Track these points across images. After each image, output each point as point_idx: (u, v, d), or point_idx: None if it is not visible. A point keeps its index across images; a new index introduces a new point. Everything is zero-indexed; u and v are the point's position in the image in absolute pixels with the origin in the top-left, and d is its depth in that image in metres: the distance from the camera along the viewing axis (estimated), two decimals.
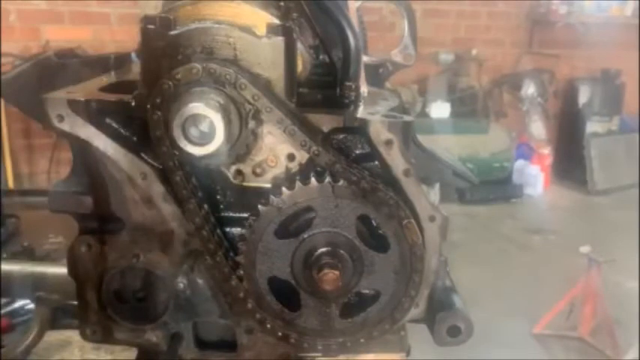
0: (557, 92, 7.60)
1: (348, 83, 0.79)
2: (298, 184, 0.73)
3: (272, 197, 0.74)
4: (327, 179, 0.72)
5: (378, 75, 1.11)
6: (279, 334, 0.79)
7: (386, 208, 0.72)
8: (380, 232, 0.75)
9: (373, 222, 0.75)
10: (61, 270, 0.95)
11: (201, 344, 0.84)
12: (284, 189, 0.74)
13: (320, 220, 0.73)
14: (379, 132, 0.74)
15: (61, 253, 0.82)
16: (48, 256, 1.46)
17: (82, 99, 0.77)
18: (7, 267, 1.04)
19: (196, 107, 0.65)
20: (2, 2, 5.12)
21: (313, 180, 0.73)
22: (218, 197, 0.78)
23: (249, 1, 0.81)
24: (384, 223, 0.74)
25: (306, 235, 0.74)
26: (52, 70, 0.88)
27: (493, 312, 4.13)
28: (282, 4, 0.91)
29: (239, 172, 0.75)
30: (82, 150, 0.74)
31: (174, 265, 0.76)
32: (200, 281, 0.78)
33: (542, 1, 7.43)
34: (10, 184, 5.08)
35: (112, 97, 0.76)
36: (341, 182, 0.73)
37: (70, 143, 0.75)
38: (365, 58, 1.07)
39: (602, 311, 4.04)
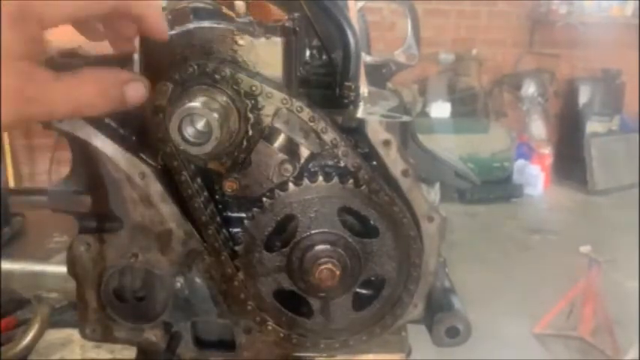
0: (557, 92, 7.61)
1: (347, 83, 0.79)
2: (306, 181, 0.73)
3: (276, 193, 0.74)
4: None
5: (381, 75, 1.11)
6: (281, 334, 0.79)
7: (363, 194, 0.73)
8: (364, 218, 0.75)
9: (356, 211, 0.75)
10: (61, 269, 0.95)
11: (200, 343, 0.84)
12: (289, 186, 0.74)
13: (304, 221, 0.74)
14: (377, 132, 0.74)
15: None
16: (51, 255, 1.47)
17: None
18: (8, 266, 1.04)
19: (192, 107, 0.65)
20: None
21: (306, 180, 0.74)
22: (217, 197, 0.78)
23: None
24: (365, 208, 0.74)
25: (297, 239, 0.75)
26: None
27: (493, 312, 4.14)
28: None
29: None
30: (82, 150, 0.74)
31: (172, 265, 0.76)
32: (198, 281, 0.78)
33: (542, 1, 7.44)
34: (11, 183, 5.08)
35: None
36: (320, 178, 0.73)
37: (69, 143, 0.76)
38: (368, 59, 1.07)
39: (602, 311, 4.05)
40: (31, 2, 0.53)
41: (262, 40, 0.71)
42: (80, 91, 0.60)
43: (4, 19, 0.52)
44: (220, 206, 0.78)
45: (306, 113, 0.72)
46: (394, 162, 0.74)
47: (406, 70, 1.14)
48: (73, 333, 1.28)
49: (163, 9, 0.74)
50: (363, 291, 0.80)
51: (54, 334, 1.31)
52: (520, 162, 7.15)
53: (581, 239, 4.67)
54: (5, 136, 4.94)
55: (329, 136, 0.73)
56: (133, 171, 0.73)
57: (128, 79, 0.64)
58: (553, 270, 4.99)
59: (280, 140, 0.73)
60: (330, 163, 0.75)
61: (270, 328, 0.79)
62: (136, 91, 0.64)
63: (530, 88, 7.31)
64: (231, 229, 0.78)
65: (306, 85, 0.82)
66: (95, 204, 0.76)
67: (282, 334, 0.79)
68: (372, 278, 0.78)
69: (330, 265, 0.74)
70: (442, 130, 6.23)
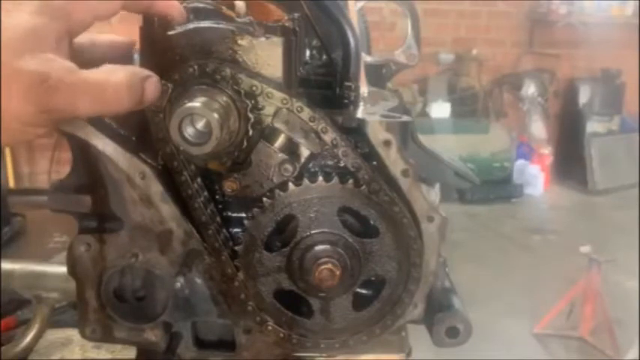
0: (557, 92, 7.62)
1: (347, 83, 0.79)
2: (305, 181, 0.73)
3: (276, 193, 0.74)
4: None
5: (380, 75, 1.11)
6: (281, 334, 0.79)
7: (362, 195, 0.73)
8: (364, 218, 0.75)
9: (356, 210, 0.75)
10: (61, 269, 0.95)
11: (200, 343, 0.84)
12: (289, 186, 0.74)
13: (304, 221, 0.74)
14: (377, 132, 0.74)
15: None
16: (51, 255, 1.47)
17: None
18: (8, 266, 1.04)
19: (192, 107, 0.65)
20: None
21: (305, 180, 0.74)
22: (217, 197, 0.78)
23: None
24: (365, 208, 0.74)
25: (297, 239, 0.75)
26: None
27: (493, 312, 4.14)
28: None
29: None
30: (82, 150, 0.74)
31: (172, 265, 0.76)
32: (198, 281, 0.78)
33: (542, 1, 7.44)
34: (11, 183, 5.09)
35: None
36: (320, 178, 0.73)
37: (69, 143, 0.76)
38: (368, 59, 1.07)
39: (602, 311, 4.05)
40: (63, 3, 0.54)
41: (262, 40, 0.71)
42: (106, 85, 0.57)
43: (35, 11, 0.52)
44: (220, 206, 0.78)
45: (306, 113, 0.72)
46: (394, 162, 0.74)
47: (406, 70, 1.14)
48: (73, 333, 1.28)
49: None
50: (363, 291, 0.80)
51: (54, 334, 1.31)
52: (520, 162, 7.16)
53: (581, 239, 4.66)
54: None
55: (329, 136, 0.73)
56: (133, 171, 0.73)
57: (147, 74, 0.63)
58: (553, 270, 4.99)
59: (280, 140, 0.73)
60: (330, 163, 0.75)
61: (270, 328, 0.79)
62: (154, 86, 0.63)
63: (530, 88, 7.32)
64: (231, 229, 0.78)
65: (306, 85, 0.82)
66: (95, 204, 0.76)
67: (282, 334, 0.79)
68: (372, 278, 0.78)
69: (330, 265, 0.73)
70: (442, 130, 6.24)
